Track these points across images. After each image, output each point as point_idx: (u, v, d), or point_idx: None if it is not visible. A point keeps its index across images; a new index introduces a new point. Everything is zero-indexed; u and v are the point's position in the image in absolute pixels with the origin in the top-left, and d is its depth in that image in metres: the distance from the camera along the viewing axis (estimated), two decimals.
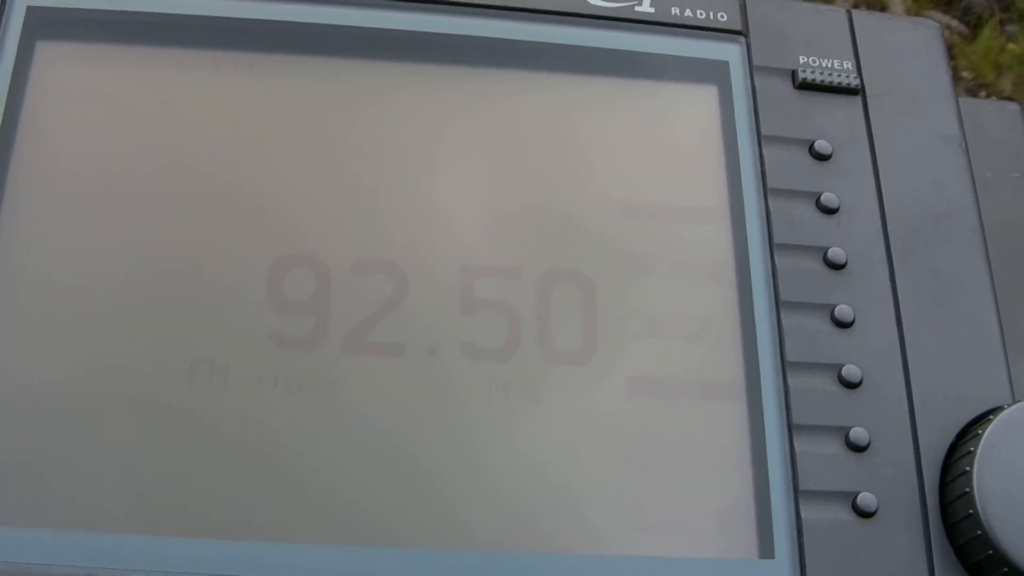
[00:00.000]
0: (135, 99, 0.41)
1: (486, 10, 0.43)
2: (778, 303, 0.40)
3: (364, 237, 0.40)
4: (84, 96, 0.40)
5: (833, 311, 0.41)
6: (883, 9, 1.24)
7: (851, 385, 0.40)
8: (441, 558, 0.36)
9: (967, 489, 0.38)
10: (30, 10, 0.41)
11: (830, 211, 0.42)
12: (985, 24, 1.26)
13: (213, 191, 0.40)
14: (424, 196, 0.41)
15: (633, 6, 0.44)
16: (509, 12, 0.43)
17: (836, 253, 0.41)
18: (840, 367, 0.40)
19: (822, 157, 0.43)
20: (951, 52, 1.23)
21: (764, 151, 0.43)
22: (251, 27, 0.42)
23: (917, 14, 1.25)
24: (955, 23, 1.26)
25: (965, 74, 1.22)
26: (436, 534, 0.37)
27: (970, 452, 0.38)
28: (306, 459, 0.37)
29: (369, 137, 0.42)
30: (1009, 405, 0.39)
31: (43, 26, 0.41)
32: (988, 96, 1.21)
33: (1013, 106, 0.49)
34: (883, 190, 0.43)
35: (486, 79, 0.43)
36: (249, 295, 0.39)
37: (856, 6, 1.24)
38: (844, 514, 0.38)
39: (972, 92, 1.21)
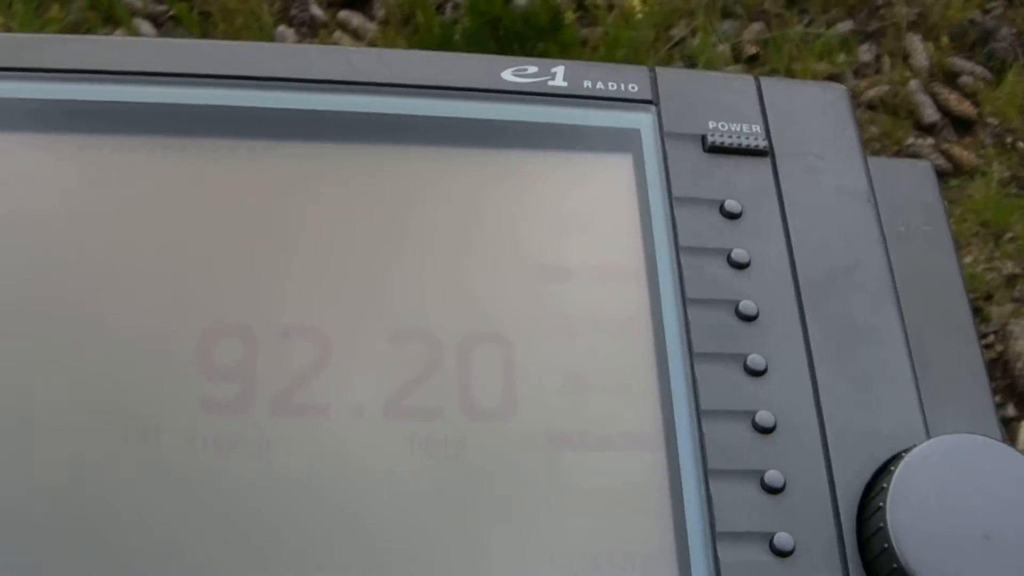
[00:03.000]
0: (59, 180, 0.43)
1: (403, 88, 0.45)
2: (692, 355, 0.42)
3: (290, 305, 0.42)
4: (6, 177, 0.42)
5: (745, 360, 0.42)
6: (905, 58, 1.27)
7: (765, 430, 0.40)
8: None
9: (881, 524, 0.38)
10: None
11: (741, 266, 0.43)
12: (1009, 69, 1.29)
13: (141, 264, 0.42)
14: (349, 266, 0.43)
15: (547, 80, 0.46)
16: (426, 90, 0.45)
17: (747, 305, 0.43)
18: (753, 413, 0.41)
19: (732, 216, 0.44)
20: (975, 98, 1.26)
21: (676, 212, 0.44)
22: (172, 111, 0.44)
23: (940, 61, 1.28)
24: (979, 69, 1.29)
25: (991, 120, 1.25)
26: None
27: (883, 488, 0.39)
28: (236, 514, 0.38)
29: (296, 213, 0.44)
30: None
31: None
32: (1015, 142, 1.23)
33: (924, 163, 0.51)
34: (793, 244, 0.44)
35: (407, 156, 0.45)
36: (180, 361, 0.40)
37: (879, 56, 1.27)
38: (761, 554, 0.39)
39: (999, 137, 1.23)
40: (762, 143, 0.46)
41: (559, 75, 0.47)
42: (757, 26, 1.32)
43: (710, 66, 1.24)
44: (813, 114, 0.48)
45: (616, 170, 0.46)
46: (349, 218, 0.44)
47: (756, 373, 0.42)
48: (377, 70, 0.46)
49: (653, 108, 0.47)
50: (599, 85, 0.47)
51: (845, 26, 1.32)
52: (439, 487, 0.40)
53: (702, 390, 0.41)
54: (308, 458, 0.39)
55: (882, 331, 0.43)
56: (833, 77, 1.22)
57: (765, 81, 0.48)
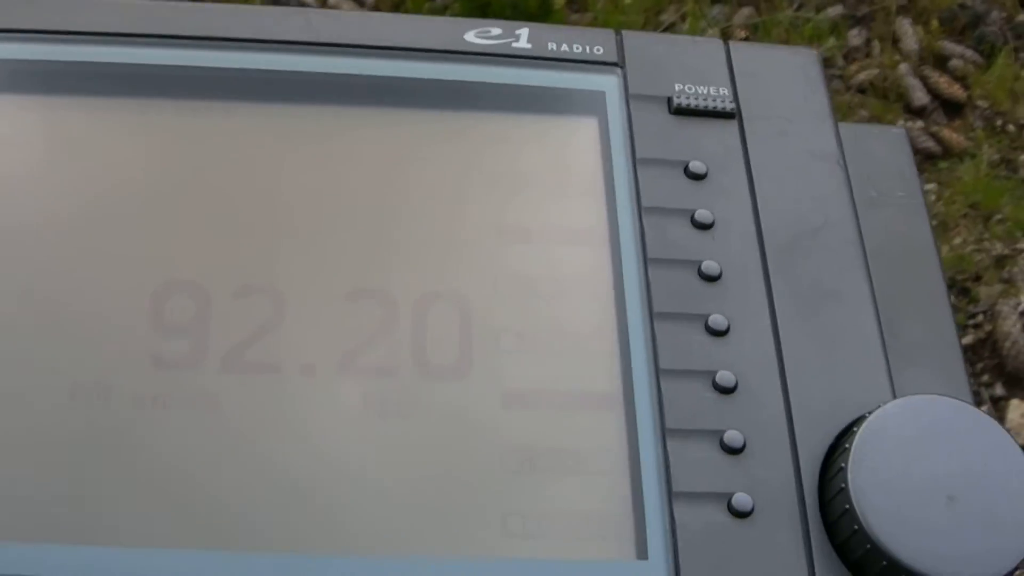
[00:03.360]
0: (17, 138, 0.42)
1: (363, 49, 0.45)
2: (652, 314, 0.41)
3: (244, 264, 0.41)
4: None
5: (707, 320, 0.41)
6: (895, 42, 1.26)
7: (725, 390, 0.40)
8: (318, 563, 0.36)
9: (843, 485, 0.38)
10: None
11: (704, 226, 0.43)
12: (999, 53, 1.28)
13: (97, 219, 0.41)
14: (306, 225, 0.42)
15: (510, 42, 0.46)
16: (386, 51, 0.45)
17: (710, 266, 0.42)
18: (714, 373, 0.40)
19: (697, 176, 0.44)
20: (965, 82, 1.25)
21: (639, 173, 0.44)
22: (130, 71, 0.43)
23: (930, 45, 1.27)
24: (969, 52, 1.28)
25: (980, 103, 1.24)
26: (314, 540, 0.37)
27: (845, 449, 0.38)
28: (184, 471, 0.38)
29: (254, 173, 0.43)
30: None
31: None
32: (1005, 124, 1.23)
33: (898, 130, 0.50)
34: (759, 206, 0.44)
35: (367, 117, 0.44)
36: (130, 319, 0.40)
37: (869, 41, 1.26)
38: (719, 515, 0.38)
39: (988, 120, 1.23)
40: (729, 105, 0.45)
41: (523, 37, 0.46)
42: (747, 11, 1.31)
43: None
44: (783, 78, 0.47)
45: (580, 132, 0.45)
46: (307, 178, 0.43)
47: (717, 333, 0.41)
48: (337, 30, 0.45)
49: (618, 70, 0.46)
50: (564, 47, 0.46)
51: (835, 10, 1.32)
52: (391, 446, 0.39)
53: (661, 349, 0.40)
54: (258, 416, 0.39)
55: (848, 293, 0.42)
56: (823, 62, 1.22)
57: (734, 45, 0.48)
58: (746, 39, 1.29)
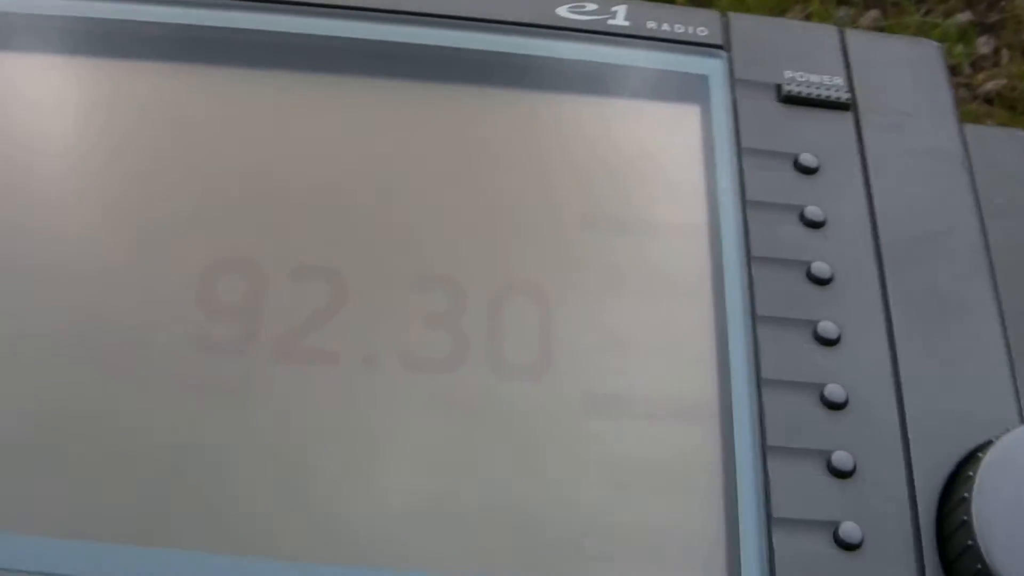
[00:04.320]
0: (66, 103, 0.39)
1: (448, 20, 0.41)
2: (754, 318, 0.37)
3: (305, 243, 0.38)
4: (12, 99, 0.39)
5: (816, 327, 0.37)
6: None
7: (834, 406, 0.36)
8: (365, 573, 0.33)
9: (965, 518, 0.33)
10: None
11: (814, 224, 0.39)
12: None
13: (145, 193, 0.38)
14: (380, 206, 0.39)
15: (606, 19, 0.42)
16: (472, 23, 0.41)
17: (820, 267, 0.38)
18: (822, 386, 0.36)
19: (807, 170, 0.40)
20: None
21: (744, 164, 0.40)
22: (193, 34, 0.40)
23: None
24: None
25: None
26: (365, 554, 0.33)
27: (969, 477, 0.34)
28: (223, 468, 0.34)
29: (328, 148, 0.40)
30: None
31: None
32: None
33: (1023, 134, 0.45)
34: (875, 205, 0.39)
35: (453, 95, 0.41)
36: (178, 298, 0.36)
37: (998, 49, 1.21)
38: (823, 545, 0.34)
39: None
40: (844, 95, 0.41)
41: (620, 14, 0.42)
42: (873, 13, 1.27)
43: None
44: (902, 70, 0.43)
45: (680, 118, 0.41)
46: (387, 157, 0.40)
47: (827, 342, 0.37)
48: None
49: (724, 54, 0.42)
50: (664, 27, 0.42)
51: (964, 17, 1.26)
52: (457, 452, 0.35)
53: (764, 357, 0.36)
54: (309, 410, 0.35)
55: (973, 304, 0.38)
56: (950, 69, 1.17)
57: (850, 32, 0.43)
58: None
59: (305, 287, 0.37)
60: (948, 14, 1.26)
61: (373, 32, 0.41)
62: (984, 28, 1.26)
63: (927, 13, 1.28)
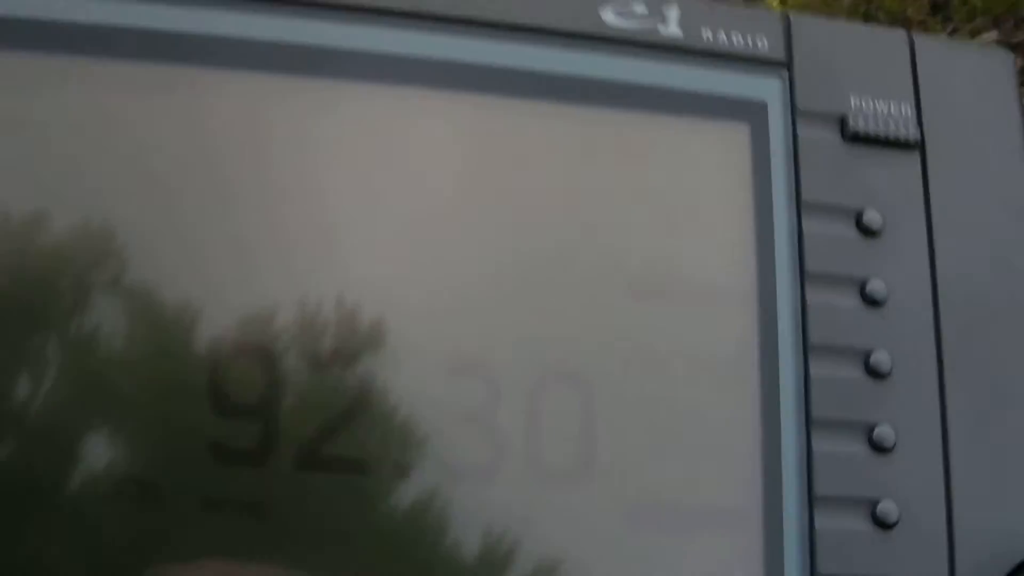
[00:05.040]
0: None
1: (481, 28, 0.35)
2: (808, 419, 0.34)
3: (320, 327, 0.33)
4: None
5: (872, 432, 0.34)
6: None
7: (886, 525, 0.34)
8: None
9: None
10: None
11: (876, 303, 0.35)
12: None
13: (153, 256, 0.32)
14: (394, 259, 0.34)
15: (656, 27, 0.36)
16: (506, 31, 0.35)
17: (879, 358, 0.35)
18: (876, 503, 0.34)
19: (871, 232, 0.36)
20: None
21: (804, 223, 0.35)
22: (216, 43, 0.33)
23: None
24: None
25: None
26: None
27: None
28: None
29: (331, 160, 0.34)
30: None
31: None
32: None
33: None
34: (938, 274, 0.36)
35: (472, 104, 0.35)
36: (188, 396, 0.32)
37: None
38: None
39: None
40: (913, 133, 0.37)
41: (672, 20, 0.36)
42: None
43: None
44: (973, 91, 0.38)
45: (731, 154, 0.36)
46: (398, 188, 0.34)
47: (883, 450, 0.34)
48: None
49: (784, 73, 0.37)
50: (721, 37, 0.36)
51: (990, 36, 1.19)
52: (498, 563, 0.33)
53: (818, 470, 0.34)
54: (334, 524, 0.32)
55: None
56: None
57: (920, 41, 0.38)
58: None
59: (323, 382, 0.32)
60: (974, 33, 1.19)
61: (397, 43, 0.34)
62: (1011, 47, 1.19)
63: (953, 32, 1.21)
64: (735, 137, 0.36)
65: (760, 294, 0.35)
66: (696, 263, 0.35)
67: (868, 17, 1.24)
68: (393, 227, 0.34)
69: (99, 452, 0.31)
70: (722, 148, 0.36)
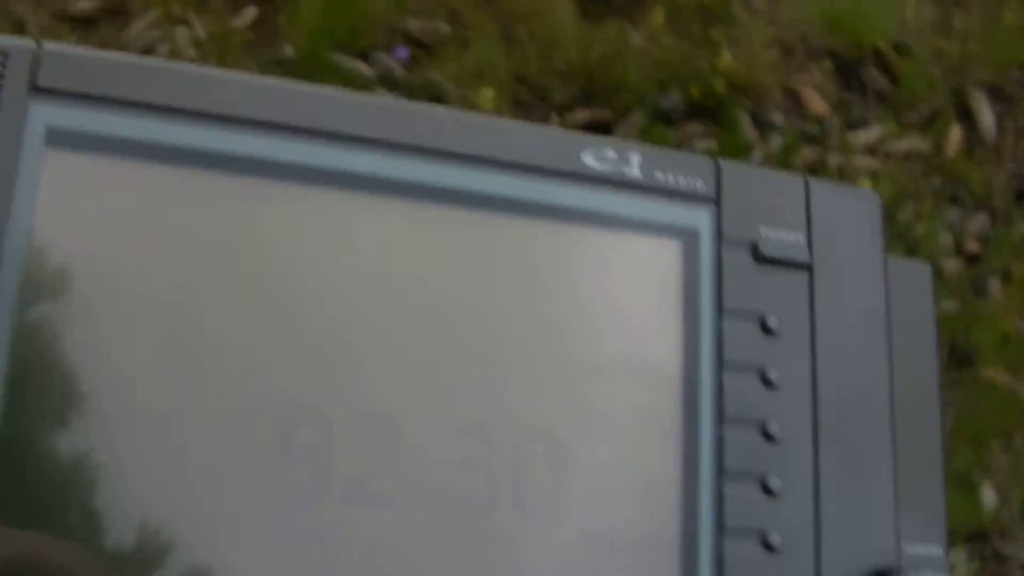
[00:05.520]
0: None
1: (473, 160, 0.46)
2: (722, 472, 0.46)
3: (361, 390, 0.44)
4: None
5: (765, 480, 0.47)
6: None
7: (772, 550, 0.46)
8: None
9: None
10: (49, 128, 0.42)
11: (772, 385, 0.48)
12: None
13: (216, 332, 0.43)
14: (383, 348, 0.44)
15: (623, 169, 0.48)
16: (510, 167, 0.46)
17: (773, 428, 0.47)
18: (766, 533, 0.46)
19: (771, 332, 0.48)
20: None
21: (724, 322, 0.48)
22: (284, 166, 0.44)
23: None
24: None
25: None
26: None
27: None
28: None
29: (360, 286, 0.45)
30: (896, 571, 0.47)
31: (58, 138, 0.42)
32: None
33: (923, 266, 0.55)
34: (817, 367, 0.49)
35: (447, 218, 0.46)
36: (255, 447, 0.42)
37: None
38: None
39: None
40: (805, 257, 0.49)
41: (635, 163, 0.48)
42: (981, 217, 1.32)
43: (931, 257, 1.22)
44: (850, 223, 0.51)
45: (670, 268, 0.48)
46: (380, 285, 0.45)
47: (772, 494, 0.47)
48: (445, 135, 0.46)
49: (714, 207, 0.49)
50: (670, 178, 0.48)
51: None
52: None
53: (728, 508, 0.46)
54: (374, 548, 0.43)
55: (876, 460, 0.49)
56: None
57: (813, 184, 0.51)
58: (977, 256, 1.30)
59: (365, 433, 0.43)
60: None
61: (407, 171, 0.45)
62: None
63: None
64: (673, 252, 0.48)
65: (685, 376, 0.47)
66: (638, 351, 0.47)
67: (954, 198, 1.35)
68: (402, 328, 0.45)
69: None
70: (664, 261, 0.48)
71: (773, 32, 1.40)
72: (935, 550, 0.50)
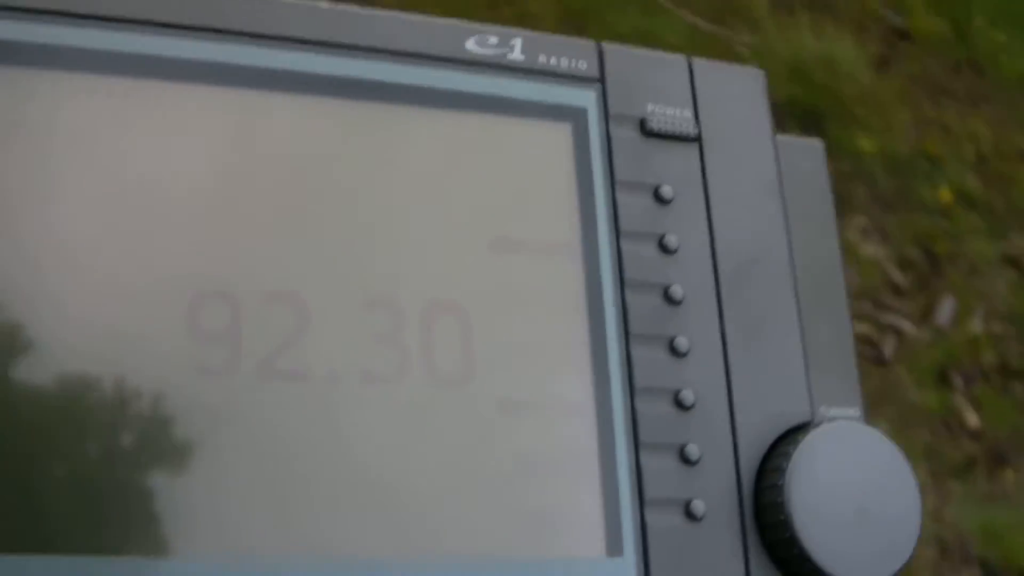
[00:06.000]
0: (49, 124, 0.43)
1: (378, 53, 0.47)
2: (628, 335, 0.47)
3: (267, 270, 0.44)
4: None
5: (672, 341, 0.47)
6: None
7: (686, 407, 0.47)
8: (316, 562, 0.42)
9: (779, 499, 0.45)
10: None
11: (670, 251, 0.48)
12: None
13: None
14: (300, 230, 0.45)
15: (506, 53, 0.49)
16: (391, 55, 0.47)
17: (675, 290, 0.48)
18: (678, 391, 0.47)
19: (665, 201, 0.49)
20: None
21: (617, 195, 0.48)
22: (169, 62, 0.44)
23: None
24: None
25: None
26: (316, 541, 0.42)
27: (781, 468, 0.46)
28: (217, 479, 0.42)
29: (256, 171, 0.45)
30: (812, 424, 0.47)
31: None
32: None
33: (817, 143, 0.56)
34: (714, 232, 0.49)
35: (350, 110, 0.47)
36: (167, 326, 0.42)
37: None
38: (679, 518, 0.45)
39: None
40: (693, 130, 0.50)
41: (517, 48, 0.49)
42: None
43: None
44: (735, 99, 0.52)
45: (557, 144, 0.49)
46: (300, 176, 0.46)
47: (681, 354, 0.47)
48: (347, 31, 0.47)
49: (599, 86, 0.50)
50: (552, 60, 0.49)
51: None
52: (399, 452, 0.44)
53: (636, 368, 0.47)
54: (286, 422, 0.43)
55: (781, 318, 0.49)
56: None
57: (696, 63, 0.52)
58: None
59: (273, 312, 0.43)
60: None
61: (296, 63, 0.46)
62: None
63: None
64: (562, 133, 0.49)
65: (584, 246, 0.48)
66: (537, 228, 0.48)
67: None
68: (305, 210, 0.45)
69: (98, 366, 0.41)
70: (553, 141, 0.49)
71: None
72: (852, 411, 0.51)
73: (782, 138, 0.54)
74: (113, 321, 0.42)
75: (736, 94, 0.52)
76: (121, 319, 0.42)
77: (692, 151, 0.51)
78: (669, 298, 0.48)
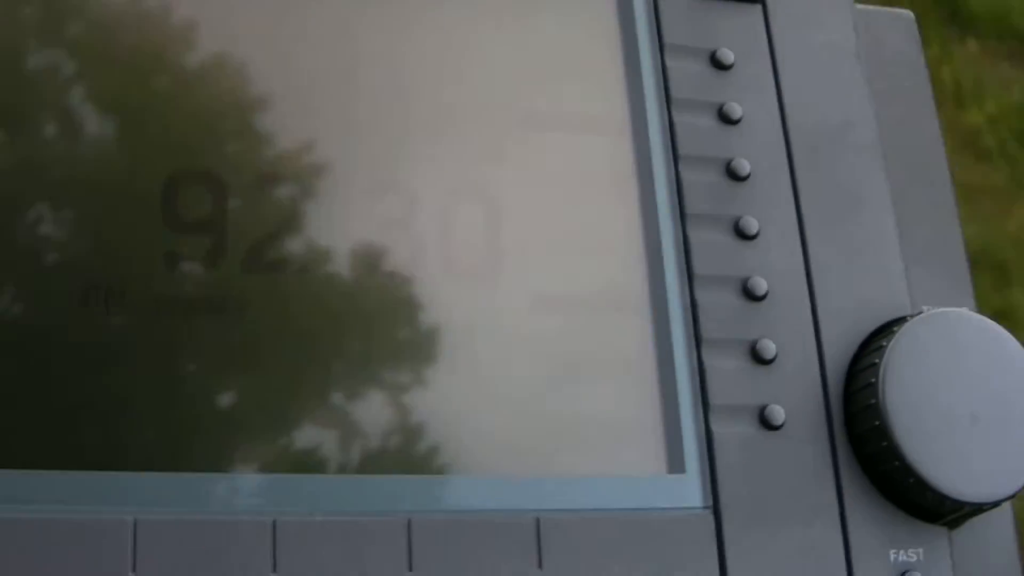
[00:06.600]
0: None
1: None
2: (684, 216, 0.40)
3: (262, 153, 0.38)
4: None
5: (737, 223, 0.40)
6: None
7: (756, 298, 0.39)
8: (341, 483, 0.35)
9: (873, 400, 0.38)
10: None
11: (732, 121, 0.41)
12: None
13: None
14: (322, 108, 0.39)
15: None
16: None
17: (739, 164, 0.41)
18: (746, 280, 0.39)
19: (723, 67, 0.42)
20: None
21: (667, 61, 0.41)
22: None
23: None
24: None
25: None
26: (335, 457, 0.35)
27: (875, 364, 0.38)
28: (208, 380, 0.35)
29: (264, 48, 0.39)
30: (910, 316, 0.39)
31: None
32: None
33: (907, 14, 0.48)
34: (784, 100, 0.42)
35: None
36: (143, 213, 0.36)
37: None
38: (752, 428, 0.38)
39: None
40: None
41: None
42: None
43: None
44: None
45: (597, 7, 0.42)
46: (315, 53, 0.40)
47: (748, 237, 0.40)
48: None
49: None
50: None
51: None
52: (412, 353, 0.37)
53: (695, 254, 0.39)
54: (280, 317, 0.36)
55: (870, 198, 0.42)
56: None
57: None
58: None
59: (264, 197, 0.37)
60: None
61: None
62: None
63: None
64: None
65: (633, 120, 0.41)
66: (578, 102, 0.41)
67: None
68: (330, 81, 0.39)
69: (56, 259, 0.35)
70: (592, 7, 0.42)
71: None
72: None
73: (866, 8, 0.46)
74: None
75: None
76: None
77: (755, 13, 0.43)
78: (732, 173, 0.40)
